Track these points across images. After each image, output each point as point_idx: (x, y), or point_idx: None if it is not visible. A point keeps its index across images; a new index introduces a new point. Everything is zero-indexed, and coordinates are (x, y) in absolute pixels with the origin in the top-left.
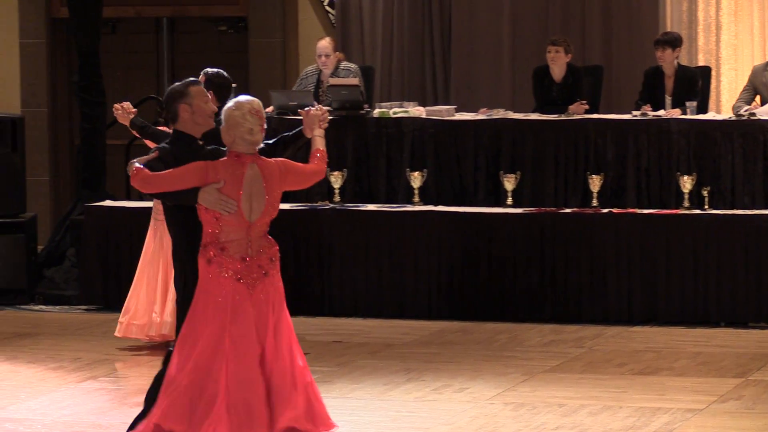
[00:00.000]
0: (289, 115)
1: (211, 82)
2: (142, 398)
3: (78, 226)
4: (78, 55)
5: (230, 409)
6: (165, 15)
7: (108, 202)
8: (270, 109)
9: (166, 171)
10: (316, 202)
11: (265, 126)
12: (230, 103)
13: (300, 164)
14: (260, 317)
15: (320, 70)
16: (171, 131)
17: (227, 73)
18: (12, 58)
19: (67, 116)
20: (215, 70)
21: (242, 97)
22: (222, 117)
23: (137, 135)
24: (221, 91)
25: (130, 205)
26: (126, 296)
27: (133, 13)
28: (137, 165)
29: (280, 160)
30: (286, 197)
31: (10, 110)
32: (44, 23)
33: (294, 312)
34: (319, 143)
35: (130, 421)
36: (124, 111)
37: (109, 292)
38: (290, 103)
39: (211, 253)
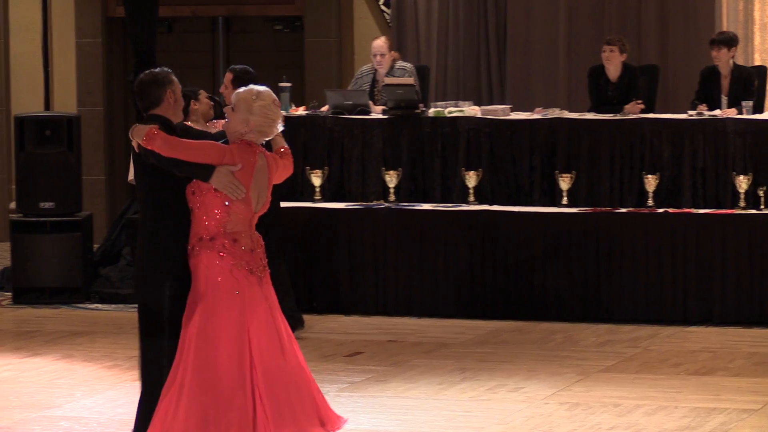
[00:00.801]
0: (344, 115)
1: (239, 79)
2: None
3: (133, 225)
4: (134, 54)
5: (268, 407)
6: (221, 14)
7: None
8: (325, 108)
9: (187, 139)
10: (371, 201)
11: None
12: (247, 92)
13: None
14: (271, 311)
15: (375, 70)
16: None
17: (284, 72)
18: (68, 57)
19: (123, 115)
20: (241, 66)
21: (260, 87)
22: (237, 104)
23: None
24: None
25: None
26: None
27: (189, 13)
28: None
29: (273, 154)
30: (342, 197)
31: (66, 109)
32: (100, 22)
33: (349, 311)
34: (282, 141)
35: None
36: None
37: None
38: (345, 102)
39: (224, 244)
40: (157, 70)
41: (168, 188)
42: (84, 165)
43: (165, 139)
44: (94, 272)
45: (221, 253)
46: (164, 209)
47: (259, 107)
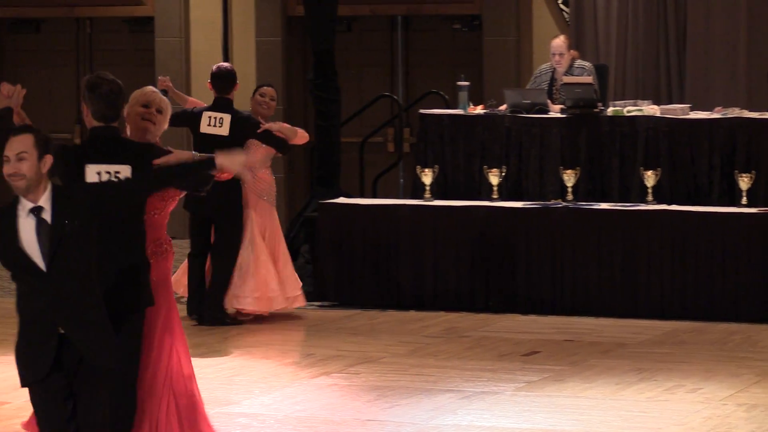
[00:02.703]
0: (522, 114)
1: (215, 77)
2: (374, 395)
3: (312, 223)
4: (313, 53)
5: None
6: (400, 13)
7: (342, 199)
8: (503, 107)
9: None
10: (549, 200)
11: None
12: (164, 99)
13: None
14: None
15: (554, 68)
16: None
17: (462, 71)
18: (248, 56)
19: (302, 114)
20: (224, 65)
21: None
22: (166, 109)
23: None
24: (216, 81)
25: (364, 202)
26: (357, 292)
27: (368, 11)
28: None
29: None
30: (519, 196)
31: (246, 108)
32: (280, 21)
33: (526, 310)
34: None
35: (363, 417)
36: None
37: (342, 289)
38: (524, 101)
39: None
40: (115, 80)
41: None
42: None
43: None
44: None
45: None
46: (142, 233)
47: None
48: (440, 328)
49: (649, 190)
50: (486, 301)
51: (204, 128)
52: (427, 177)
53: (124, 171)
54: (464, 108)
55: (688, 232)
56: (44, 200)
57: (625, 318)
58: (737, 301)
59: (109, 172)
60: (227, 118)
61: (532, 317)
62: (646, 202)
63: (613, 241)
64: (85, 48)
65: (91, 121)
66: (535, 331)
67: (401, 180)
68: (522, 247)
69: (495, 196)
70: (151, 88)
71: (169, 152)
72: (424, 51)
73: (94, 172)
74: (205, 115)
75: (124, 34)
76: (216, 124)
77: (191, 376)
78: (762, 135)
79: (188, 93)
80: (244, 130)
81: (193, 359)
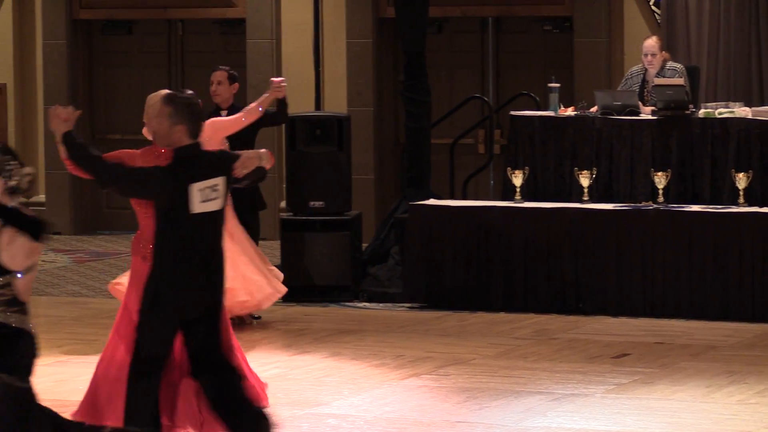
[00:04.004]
0: (613, 115)
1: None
2: (464, 396)
3: (402, 224)
4: (404, 54)
5: None
6: (490, 15)
7: (432, 201)
8: (594, 109)
9: None
10: (640, 203)
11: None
12: None
13: None
14: None
15: (645, 70)
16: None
17: (552, 73)
18: (339, 58)
19: (393, 115)
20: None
21: None
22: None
23: None
24: None
25: (454, 203)
26: (447, 293)
27: (459, 13)
28: None
29: None
30: (610, 198)
31: (337, 109)
32: (371, 23)
33: (616, 312)
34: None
35: (453, 419)
36: None
37: (432, 290)
38: (614, 103)
39: None
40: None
41: None
42: (353, 164)
43: None
44: (363, 271)
45: None
46: None
47: None
48: (530, 329)
49: (741, 192)
50: (576, 302)
51: None
52: (517, 179)
53: (221, 183)
54: (555, 110)
55: None
56: None
57: (715, 320)
58: None
59: (209, 188)
60: None
61: (623, 319)
62: (737, 204)
63: (704, 243)
64: (176, 50)
65: (182, 139)
66: (626, 334)
67: (491, 182)
68: (612, 249)
69: (585, 198)
70: (165, 90)
71: (239, 156)
72: (514, 52)
73: (197, 191)
74: None
75: (215, 35)
76: None
77: None
78: None
79: None
80: None
81: (282, 360)
